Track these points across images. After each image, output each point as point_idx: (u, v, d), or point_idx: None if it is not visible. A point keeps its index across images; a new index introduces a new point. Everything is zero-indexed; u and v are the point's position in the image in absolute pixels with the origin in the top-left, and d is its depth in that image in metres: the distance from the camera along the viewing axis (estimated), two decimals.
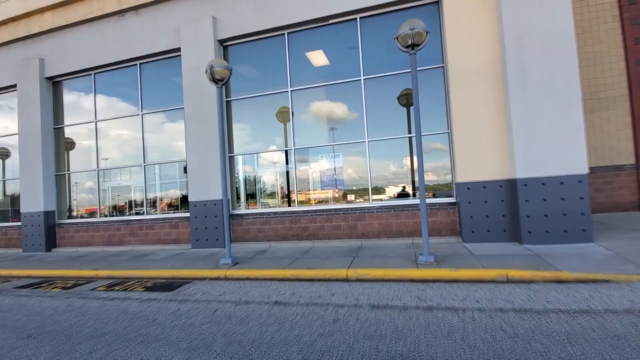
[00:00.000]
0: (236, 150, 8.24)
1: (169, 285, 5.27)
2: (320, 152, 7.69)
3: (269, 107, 8.02)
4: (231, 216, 7.94)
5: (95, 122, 9.32)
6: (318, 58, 7.75)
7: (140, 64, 8.81)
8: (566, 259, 4.81)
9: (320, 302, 3.99)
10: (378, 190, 7.34)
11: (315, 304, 3.96)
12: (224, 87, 6.07)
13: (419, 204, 6.33)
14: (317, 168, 7.75)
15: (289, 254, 6.51)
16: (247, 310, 3.91)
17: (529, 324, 3.02)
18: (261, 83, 8.09)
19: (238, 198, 8.34)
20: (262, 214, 7.74)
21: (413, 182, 7.20)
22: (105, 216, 9.21)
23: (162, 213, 8.68)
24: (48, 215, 9.33)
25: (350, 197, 7.60)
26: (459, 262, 4.95)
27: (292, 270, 5.21)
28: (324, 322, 3.40)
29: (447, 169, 6.96)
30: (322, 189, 7.73)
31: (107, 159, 9.46)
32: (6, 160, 10.81)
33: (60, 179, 9.72)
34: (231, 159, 8.19)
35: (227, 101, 8.17)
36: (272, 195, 8.20)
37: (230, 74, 6.06)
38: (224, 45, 8.16)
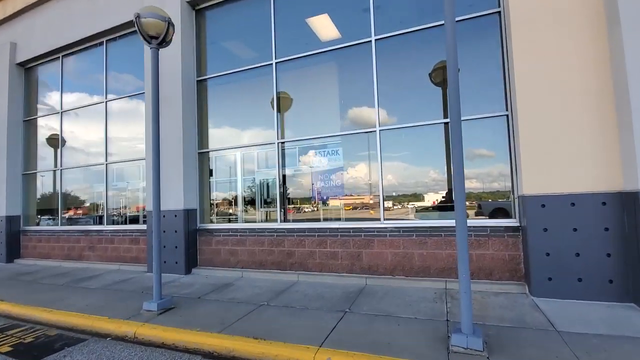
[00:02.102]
0: (213, 145, 6.32)
1: (45, 346, 3.38)
2: (321, 147, 5.48)
3: (263, 91, 5.95)
4: (197, 231, 6.02)
5: (61, 112, 7.93)
6: (323, 26, 5.58)
7: (106, 41, 7.26)
8: None
9: None
10: (417, 197, 4.98)
11: None
12: (160, 49, 4.14)
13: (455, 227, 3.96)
14: (317, 168, 5.55)
15: (256, 295, 4.40)
16: None
17: None
18: (246, 58, 6.11)
19: (231, 204, 6.37)
20: (236, 230, 5.71)
21: (450, 191, 4.78)
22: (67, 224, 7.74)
23: (123, 224, 6.99)
24: (11, 220, 8.07)
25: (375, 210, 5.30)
26: (532, 353, 2.52)
27: (231, 339, 3.08)
28: None
29: (493, 176, 4.50)
30: (312, 198, 5.55)
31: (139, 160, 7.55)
32: None
33: (29, 179, 8.46)
34: (203, 156, 6.28)
35: (198, 81, 6.30)
36: (270, 203, 6.06)
37: (170, 29, 4.11)
38: (197, 9, 6.32)
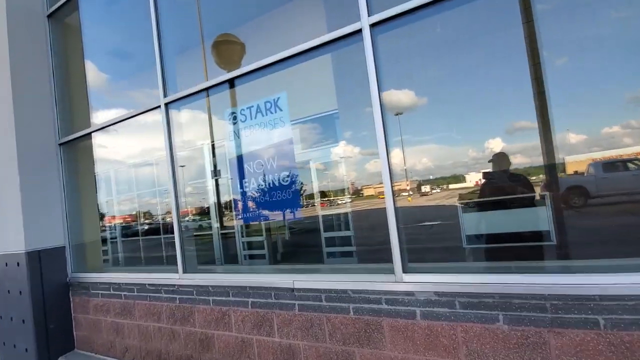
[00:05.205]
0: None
1: None
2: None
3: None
4: (70, 287, 3.34)
5: None
6: None
7: None
8: None
9: None
10: (456, 179, 2.29)
11: None
12: None
13: None
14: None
15: None
16: None
17: None
18: None
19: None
20: (118, 287, 2.94)
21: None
22: None
23: None
24: None
25: None
26: None
27: None
28: None
29: (539, 149, 2.00)
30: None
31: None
32: None
33: None
34: (76, 148, 3.57)
35: (52, 15, 3.55)
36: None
37: None
38: None
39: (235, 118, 2.34)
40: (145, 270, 2.86)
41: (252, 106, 2.24)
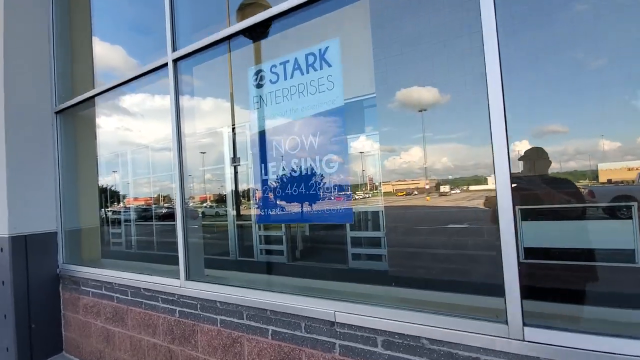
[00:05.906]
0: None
1: None
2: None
3: None
4: (61, 280, 2.87)
5: None
6: None
7: None
8: None
9: None
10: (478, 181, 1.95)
11: None
12: None
13: None
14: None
15: None
16: None
17: None
18: None
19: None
20: (110, 286, 2.42)
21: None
22: None
23: None
24: None
25: None
26: None
27: None
28: None
29: (568, 154, 1.71)
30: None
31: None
32: None
33: None
34: (74, 118, 3.07)
35: None
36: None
37: None
38: None
39: (262, 79, 1.71)
40: (139, 271, 2.31)
41: (288, 61, 1.60)
